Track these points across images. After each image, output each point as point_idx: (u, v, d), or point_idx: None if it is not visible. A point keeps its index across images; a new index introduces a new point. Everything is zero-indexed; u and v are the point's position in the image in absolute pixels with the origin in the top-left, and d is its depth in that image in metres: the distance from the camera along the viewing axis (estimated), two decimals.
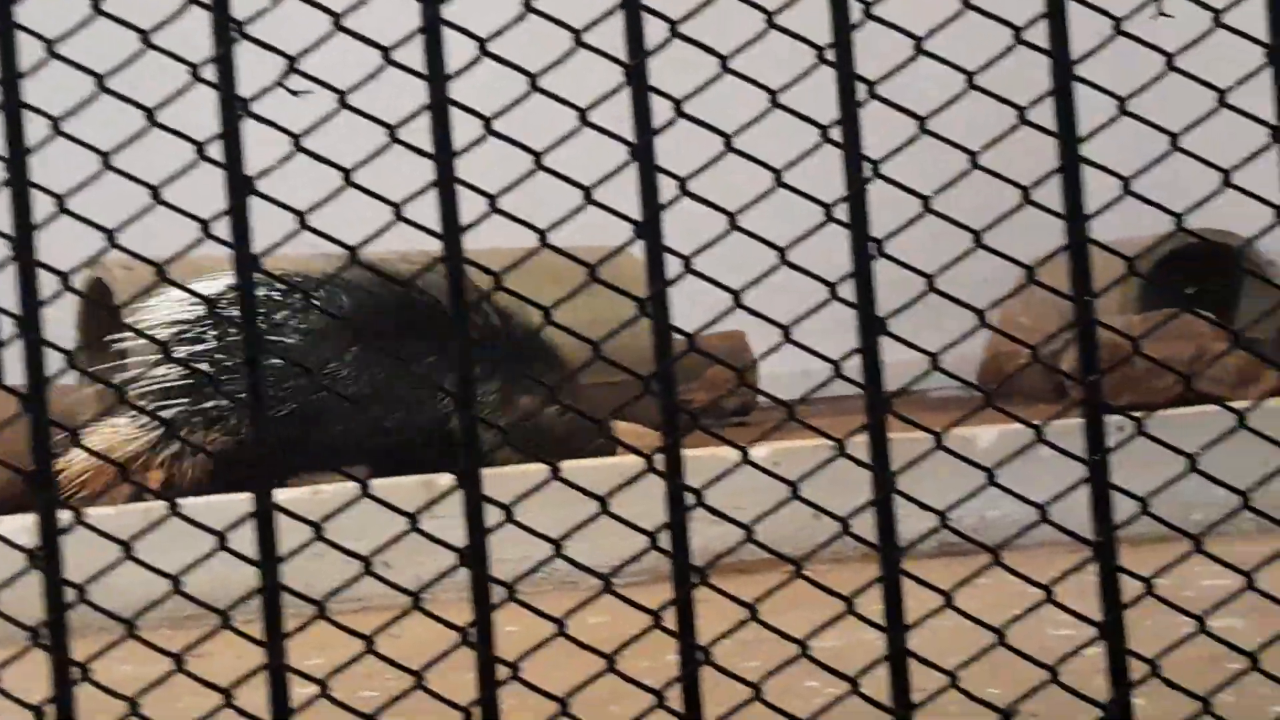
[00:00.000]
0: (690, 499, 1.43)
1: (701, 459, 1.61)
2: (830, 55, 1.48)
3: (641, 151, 1.41)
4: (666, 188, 1.42)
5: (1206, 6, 1.59)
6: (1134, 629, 1.51)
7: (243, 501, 1.41)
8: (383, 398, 3.57)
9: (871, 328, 1.51)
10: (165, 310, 3.53)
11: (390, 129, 1.39)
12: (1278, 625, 1.56)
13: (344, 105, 1.40)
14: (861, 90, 1.49)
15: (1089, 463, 1.56)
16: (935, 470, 1.51)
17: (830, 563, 1.61)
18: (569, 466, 1.51)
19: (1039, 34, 1.53)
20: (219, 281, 2.90)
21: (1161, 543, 1.57)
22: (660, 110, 1.43)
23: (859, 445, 1.48)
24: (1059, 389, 4.00)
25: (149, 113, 1.41)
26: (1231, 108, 1.58)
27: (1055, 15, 1.54)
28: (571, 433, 3.54)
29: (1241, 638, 1.56)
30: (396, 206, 1.38)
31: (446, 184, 1.38)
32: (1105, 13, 1.56)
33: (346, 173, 1.39)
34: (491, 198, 1.38)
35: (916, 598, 1.47)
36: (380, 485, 2.90)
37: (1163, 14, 1.58)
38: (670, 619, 1.43)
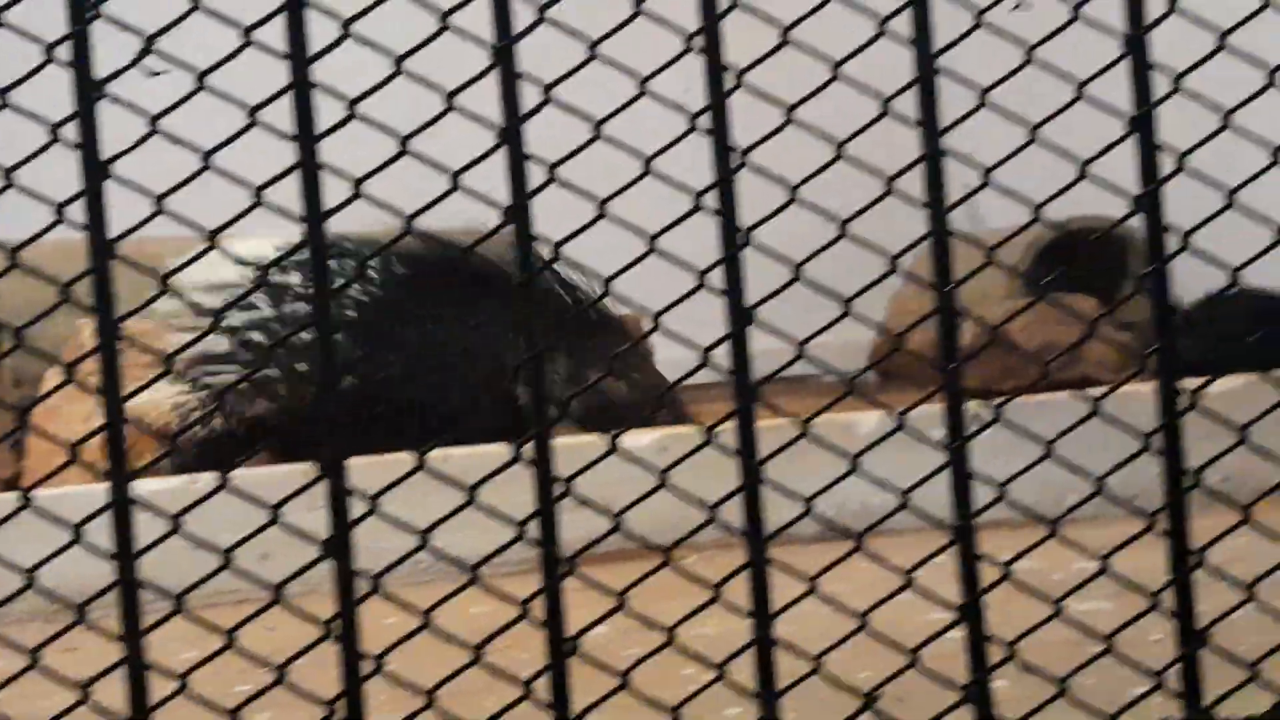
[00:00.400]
0: (559, 488, 1.33)
1: (579, 447, 1.50)
2: (699, 43, 1.37)
3: (510, 136, 1.30)
4: (539, 172, 1.31)
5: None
6: (1005, 612, 1.43)
7: (103, 492, 1.28)
8: (442, 368, 3.27)
9: (740, 316, 1.42)
10: (214, 273, 3.17)
11: (250, 110, 1.26)
12: (1144, 607, 1.49)
13: (202, 86, 1.28)
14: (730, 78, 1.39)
15: (949, 449, 1.49)
16: (822, 456, 1.42)
17: (717, 548, 1.51)
18: (442, 455, 1.39)
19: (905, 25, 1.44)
20: (267, 246, 2.66)
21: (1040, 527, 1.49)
22: (532, 94, 1.32)
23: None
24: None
25: (2, 94, 1.28)
26: (1090, 99, 1.50)
27: (918, 6, 1.46)
28: (637, 405, 3.34)
29: (1108, 620, 1.49)
30: (257, 190, 1.25)
31: (309, 168, 1.26)
32: (968, 5, 1.47)
33: (205, 155, 1.26)
34: (357, 182, 1.26)
35: (798, 583, 1.38)
36: (257, 475, 2.76)
37: (1019, 5, 1.51)
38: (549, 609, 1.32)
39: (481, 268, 3.16)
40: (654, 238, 1.36)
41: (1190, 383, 1.55)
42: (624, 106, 1.36)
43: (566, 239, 1.33)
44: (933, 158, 1.46)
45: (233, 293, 2.98)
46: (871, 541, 1.45)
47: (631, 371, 3.28)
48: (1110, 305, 3.61)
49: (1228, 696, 1.50)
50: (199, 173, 1.26)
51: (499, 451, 1.34)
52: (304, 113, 1.27)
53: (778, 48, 1.43)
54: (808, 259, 1.46)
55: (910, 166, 1.45)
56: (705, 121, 1.39)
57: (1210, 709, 1.49)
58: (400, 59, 1.29)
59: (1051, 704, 1.47)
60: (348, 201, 1.26)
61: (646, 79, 1.37)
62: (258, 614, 1.28)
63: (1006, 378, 3.64)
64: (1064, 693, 1.49)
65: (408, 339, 3.26)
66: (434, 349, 3.27)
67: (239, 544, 1.29)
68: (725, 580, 1.38)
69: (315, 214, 1.26)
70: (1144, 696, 1.49)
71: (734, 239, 1.42)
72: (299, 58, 1.27)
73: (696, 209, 1.40)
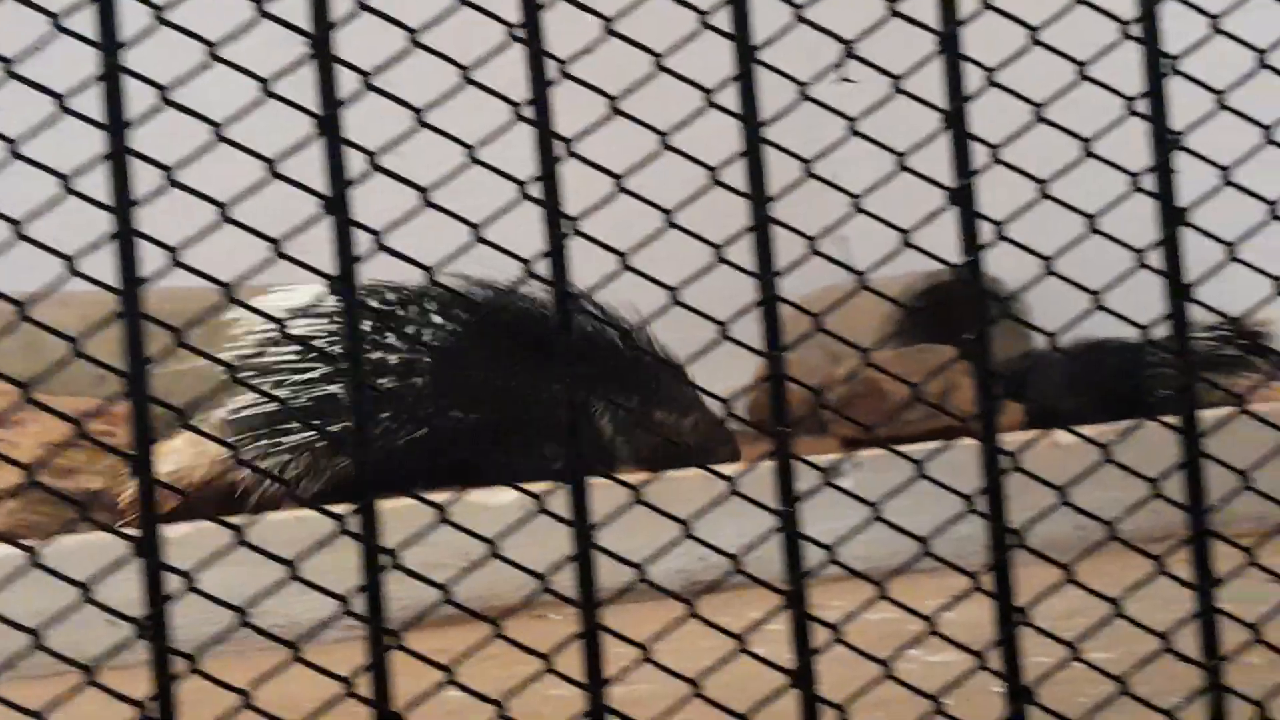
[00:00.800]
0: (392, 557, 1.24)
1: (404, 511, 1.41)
2: (530, 112, 1.30)
3: (335, 204, 1.21)
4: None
5: (888, 74, 1.46)
6: (852, 666, 1.36)
7: None
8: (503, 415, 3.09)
9: (574, 390, 1.34)
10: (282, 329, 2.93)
11: (64, 179, 1.16)
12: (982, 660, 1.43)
13: (16, 155, 1.17)
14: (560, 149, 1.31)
15: (780, 513, 1.42)
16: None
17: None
18: (269, 520, 1.29)
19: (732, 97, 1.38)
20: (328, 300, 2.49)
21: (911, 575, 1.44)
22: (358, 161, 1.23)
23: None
24: (821, 424, 3.76)
25: None
26: (911, 170, 1.45)
27: (744, 78, 1.40)
28: (700, 444, 3.23)
29: (957, 671, 1.43)
30: (69, 260, 1.15)
31: (125, 235, 1.16)
32: (793, 78, 1.42)
33: (16, 224, 1.16)
34: (173, 250, 1.16)
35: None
36: (66, 544, 2.58)
37: (846, 79, 1.45)
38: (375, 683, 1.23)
39: (537, 318, 3.01)
40: (481, 305, 1.27)
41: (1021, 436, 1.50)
42: (452, 174, 1.28)
43: (392, 307, 1.24)
44: (760, 227, 1.40)
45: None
46: (742, 593, 1.39)
47: (691, 411, 3.20)
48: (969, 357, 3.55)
49: None
50: (12, 241, 1.16)
51: (325, 520, 1.25)
52: (120, 179, 1.17)
53: (607, 118, 1.36)
54: (640, 324, 1.40)
55: (738, 235, 1.39)
56: (536, 190, 1.31)
57: None
58: (220, 125, 1.20)
59: None
60: (165, 269, 1.17)
61: (475, 146, 1.29)
62: (65, 695, 1.17)
63: (878, 427, 3.53)
64: None
65: (472, 386, 3.10)
66: (495, 396, 3.13)
67: (47, 623, 1.18)
68: (557, 649, 1.30)
69: (131, 280, 1.16)
70: None
71: (565, 303, 1.34)
72: (116, 126, 1.17)
73: (530, 274, 1.33)
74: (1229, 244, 1.61)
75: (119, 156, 1.16)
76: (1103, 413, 3.26)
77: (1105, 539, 1.55)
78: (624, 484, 1.38)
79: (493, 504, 2.62)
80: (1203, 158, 1.58)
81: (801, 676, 1.38)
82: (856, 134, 1.45)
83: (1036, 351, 3.90)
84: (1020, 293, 1.67)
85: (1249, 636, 1.55)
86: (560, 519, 1.30)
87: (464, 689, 1.25)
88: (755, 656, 1.38)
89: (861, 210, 1.45)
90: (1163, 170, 1.55)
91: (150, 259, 1.18)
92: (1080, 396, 3.77)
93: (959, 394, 3.61)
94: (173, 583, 1.17)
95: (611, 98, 1.34)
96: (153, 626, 1.14)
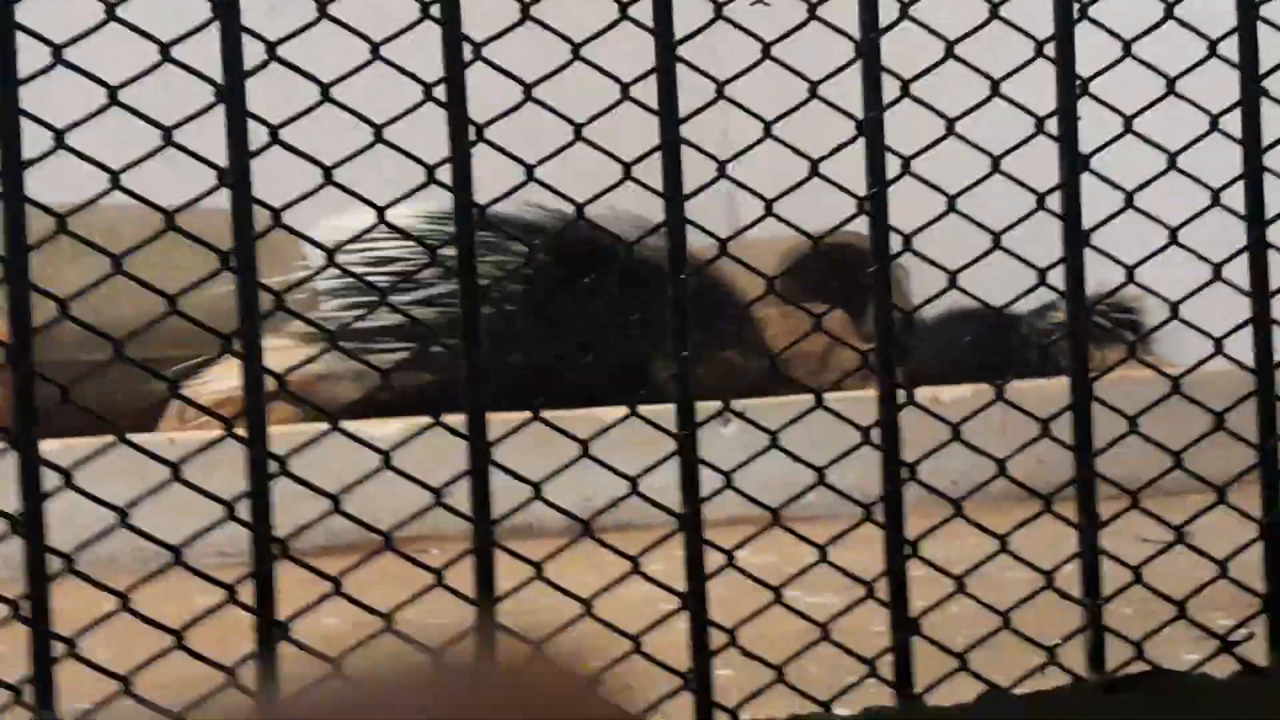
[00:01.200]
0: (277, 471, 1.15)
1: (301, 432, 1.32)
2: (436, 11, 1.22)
3: (232, 92, 1.12)
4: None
5: None
6: (738, 606, 1.30)
7: None
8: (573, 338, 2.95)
9: (471, 299, 1.27)
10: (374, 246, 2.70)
11: None
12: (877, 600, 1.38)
13: None
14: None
15: (677, 438, 1.36)
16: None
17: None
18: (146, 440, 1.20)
19: (646, 12, 1.31)
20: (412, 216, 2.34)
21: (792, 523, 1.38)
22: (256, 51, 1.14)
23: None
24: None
25: None
26: (824, 99, 1.39)
27: None
28: (754, 374, 3.12)
29: (830, 612, 1.38)
30: None
31: (8, 115, 1.06)
32: None
33: None
34: (59, 133, 1.07)
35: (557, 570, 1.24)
36: None
37: (760, 1, 1.39)
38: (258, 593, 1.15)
39: (612, 252, 2.86)
40: (382, 209, 1.19)
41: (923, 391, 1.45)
42: (354, 71, 1.20)
43: (289, 205, 1.15)
44: (670, 149, 1.33)
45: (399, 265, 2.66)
46: (626, 534, 1.32)
47: (750, 345, 3.11)
48: (855, 319, 3.49)
49: (937, 685, 1.40)
50: None
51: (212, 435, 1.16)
52: (6, 55, 1.07)
53: (519, 22, 1.28)
54: (542, 245, 1.32)
55: (649, 153, 1.32)
56: (441, 93, 1.23)
57: (920, 696, 1.39)
58: (115, 8, 1.10)
59: (771, 690, 1.35)
60: (48, 153, 1.07)
61: (379, 44, 1.21)
62: None
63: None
64: (782, 679, 1.37)
65: (559, 316, 2.98)
66: (582, 327, 3.01)
67: None
68: (448, 565, 1.22)
69: (13, 162, 1.06)
70: (857, 684, 1.38)
71: (469, 217, 1.27)
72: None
73: (430, 181, 1.25)
74: (1128, 192, 1.57)
75: (5, 32, 1.06)
76: (981, 379, 3.23)
77: (992, 477, 1.51)
78: (534, 412, 1.30)
79: (378, 435, 2.53)
80: (1105, 104, 1.53)
81: (694, 599, 1.33)
82: (770, 58, 1.38)
83: (917, 317, 3.88)
84: (918, 233, 1.61)
85: (1129, 579, 1.52)
86: (457, 433, 1.23)
87: (351, 600, 1.18)
88: (648, 578, 1.31)
89: (772, 136, 1.38)
90: (1067, 115, 1.51)
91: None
92: (958, 361, 3.74)
93: (841, 355, 3.57)
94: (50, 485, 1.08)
95: (524, 3, 1.26)
96: (27, 524, 1.05)
